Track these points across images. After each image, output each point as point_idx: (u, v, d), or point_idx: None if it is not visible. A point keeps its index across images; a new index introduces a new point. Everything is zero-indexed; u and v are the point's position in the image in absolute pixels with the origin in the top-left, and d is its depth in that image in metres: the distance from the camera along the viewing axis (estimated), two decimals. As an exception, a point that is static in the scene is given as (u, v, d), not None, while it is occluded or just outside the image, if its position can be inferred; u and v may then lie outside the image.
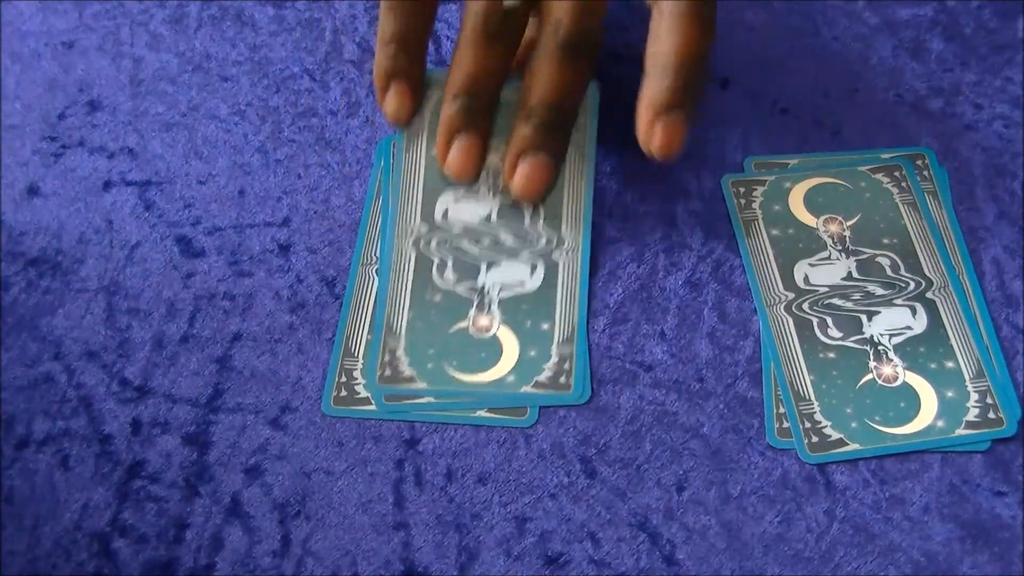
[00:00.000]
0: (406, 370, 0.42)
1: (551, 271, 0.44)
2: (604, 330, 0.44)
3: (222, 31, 0.54)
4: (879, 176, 0.47)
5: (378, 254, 0.46)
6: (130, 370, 0.43)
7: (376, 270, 0.45)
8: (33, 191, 0.49)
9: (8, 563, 0.39)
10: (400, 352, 0.42)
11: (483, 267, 0.44)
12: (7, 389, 0.43)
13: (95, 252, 0.47)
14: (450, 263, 0.44)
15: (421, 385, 0.42)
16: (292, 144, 0.50)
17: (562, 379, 0.42)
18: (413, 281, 0.44)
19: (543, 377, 0.42)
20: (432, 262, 0.44)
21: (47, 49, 0.54)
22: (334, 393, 0.43)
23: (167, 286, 0.46)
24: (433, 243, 0.45)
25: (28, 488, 0.41)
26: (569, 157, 0.45)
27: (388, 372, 0.42)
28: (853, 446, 0.40)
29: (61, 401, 0.43)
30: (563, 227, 0.45)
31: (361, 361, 0.43)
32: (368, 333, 0.44)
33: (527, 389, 0.42)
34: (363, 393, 0.42)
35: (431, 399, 0.42)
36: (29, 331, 0.45)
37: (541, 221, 0.45)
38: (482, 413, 0.42)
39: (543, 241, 0.45)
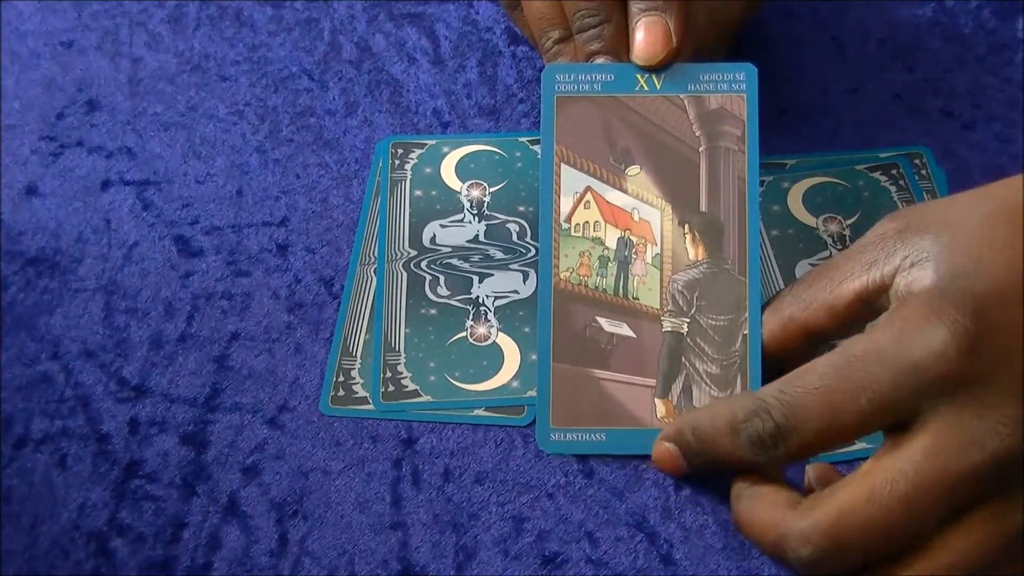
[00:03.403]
0: (410, 385, 0.42)
1: None
2: (602, 330, 0.44)
3: (221, 31, 0.54)
4: (876, 175, 0.47)
5: (376, 255, 0.46)
6: (128, 369, 0.43)
7: (374, 270, 0.45)
8: (31, 190, 0.49)
9: (6, 562, 0.39)
10: (401, 367, 0.43)
11: (475, 279, 0.45)
12: (5, 388, 0.43)
13: (93, 251, 0.47)
14: (442, 279, 0.45)
15: (426, 398, 0.42)
16: (290, 144, 0.50)
17: None
18: (407, 298, 0.44)
19: None
20: (424, 279, 0.45)
21: (46, 49, 0.54)
22: (332, 392, 0.43)
23: (165, 285, 0.46)
24: (424, 263, 0.45)
25: (26, 487, 0.41)
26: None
27: (391, 388, 0.42)
28: None
29: (59, 400, 0.43)
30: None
31: (359, 361, 0.43)
32: (366, 333, 0.44)
33: (533, 393, 0.42)
34: (361, 393, 0.42)
35: (429, 397, 0.42)
36: (27, 330, 0.45)
37: (528, 236, 0.46)
38: (479, 412, 0.42)
39: (532, 251, 0.45)
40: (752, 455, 0.35)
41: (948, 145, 0.48)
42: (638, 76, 0.42)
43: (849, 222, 0.46)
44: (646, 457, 0.40)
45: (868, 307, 0.36)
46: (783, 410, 0.34)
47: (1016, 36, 0.52)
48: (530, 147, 0.49)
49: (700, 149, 0.42)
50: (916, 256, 0.34)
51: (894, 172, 0.47)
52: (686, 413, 0.40)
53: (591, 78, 0.42)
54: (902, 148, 0.48)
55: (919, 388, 0.32)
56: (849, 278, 0.36)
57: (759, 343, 0.40)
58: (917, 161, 0.48)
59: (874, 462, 0.33)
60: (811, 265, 0.45)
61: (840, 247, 0.45)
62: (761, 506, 0.36)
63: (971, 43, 0.52)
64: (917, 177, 0.47)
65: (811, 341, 0.38)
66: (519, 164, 0.48)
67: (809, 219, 0.46)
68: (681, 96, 0.42)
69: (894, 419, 0.33)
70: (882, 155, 0.48)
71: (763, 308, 0.40)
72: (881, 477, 0.33)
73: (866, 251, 0.36)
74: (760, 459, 0.35)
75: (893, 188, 0.47)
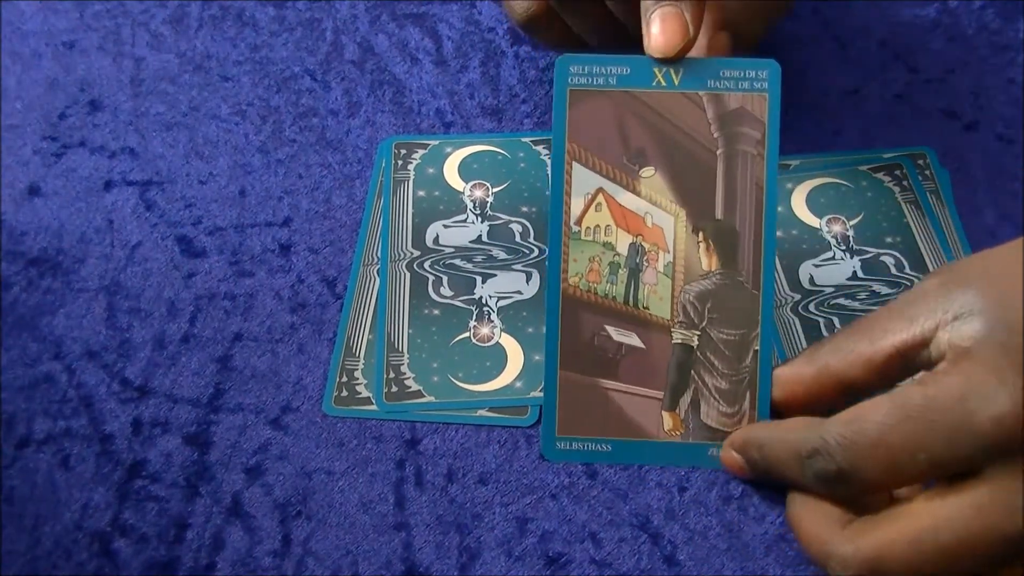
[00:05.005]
0: (413, 385, 0.42)
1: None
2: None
3: (223, 31, 0.54)
4: (880, 175, 0.47)
5: (379, 255, 0.46)
6: (131, 370, 0.43)
7: (378, 271, 0.45)
8: (34, 191, 0.49)
9: (8, 563, 0.39)
10: (404, 368, 0.43)
11: (478, 280, 0.45)
12: (8, 389, 0.43)
13: (96, 252, 0.47)
14: (445, 279, 0.45)
15: (429, 399, 0.42)
16: (293, 144, 0.50)
17: None
18: (410, 299, 0.44)
19: None
20: (427, 279, 0.45)
21: (48, 49, 0.54)
22: (335, 393, 0.43)
23: (168, 286, 0.46)
24: (427, 264, 0.45)
25: (28, 488, 0.41)
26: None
27: (395, 389, 0.42)
28: None
29: (62, 401, 0.43)
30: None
31: (362, 361, 0.43)
32: (369, 333, 0.44)
33: (536, 394, 0.42)
34: (364, 393, 0.42)
35: (433, 398, 0.42)
36: (30, 331, 0.45)
37: (531, 236, 0.46)
38: (483, 413, 0.42)
39: (535, 252, 0.45)
40: (817, 487, 0.36)
41: (950, 146, 0.48)
42: (655, 70, 0.40)
43: (853, 223, 0.46)
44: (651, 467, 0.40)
45: (907, 363, 0.36)
46: (845, 456, 0.34)
47: (1019, 37, 0.52)
48: (533, 147, 0.49)
49: (718, 152, 0.40)
50: (959, 310, 0.34)
51: (897, 173, 0.47)
52: (750, 425, 0.39)
53: (606, 71, 0.40)
54: (905, 149, 0.48)
55: (978, 450, 0.32)
56: (890, 332, 0.36)
57: (770, 359, 0.39)
58: (920, 162, 0.48)
59: (925, 502, 0.34)
60: (815, 267, 0.45)
61: (844, 248, 0.45)
62: (812, 516, 0.36)
63: (974, 44, 0.52)
64: (921, 178, 0.47)
65: (844, 393, 0.37)
66: (522, 164, 0.48)
67: (813, 220, 0.46)
68: (700, 93, 0.40)
69: (951, 473, 0.33)
70: (885, 156, 0.48)
71: (796, 357, 0.39)
72: (929, 522, 0.33)
73: (908, 306, 0.36)
74: (825, 491, 0.36)
75: (896, 189, 0.47)
